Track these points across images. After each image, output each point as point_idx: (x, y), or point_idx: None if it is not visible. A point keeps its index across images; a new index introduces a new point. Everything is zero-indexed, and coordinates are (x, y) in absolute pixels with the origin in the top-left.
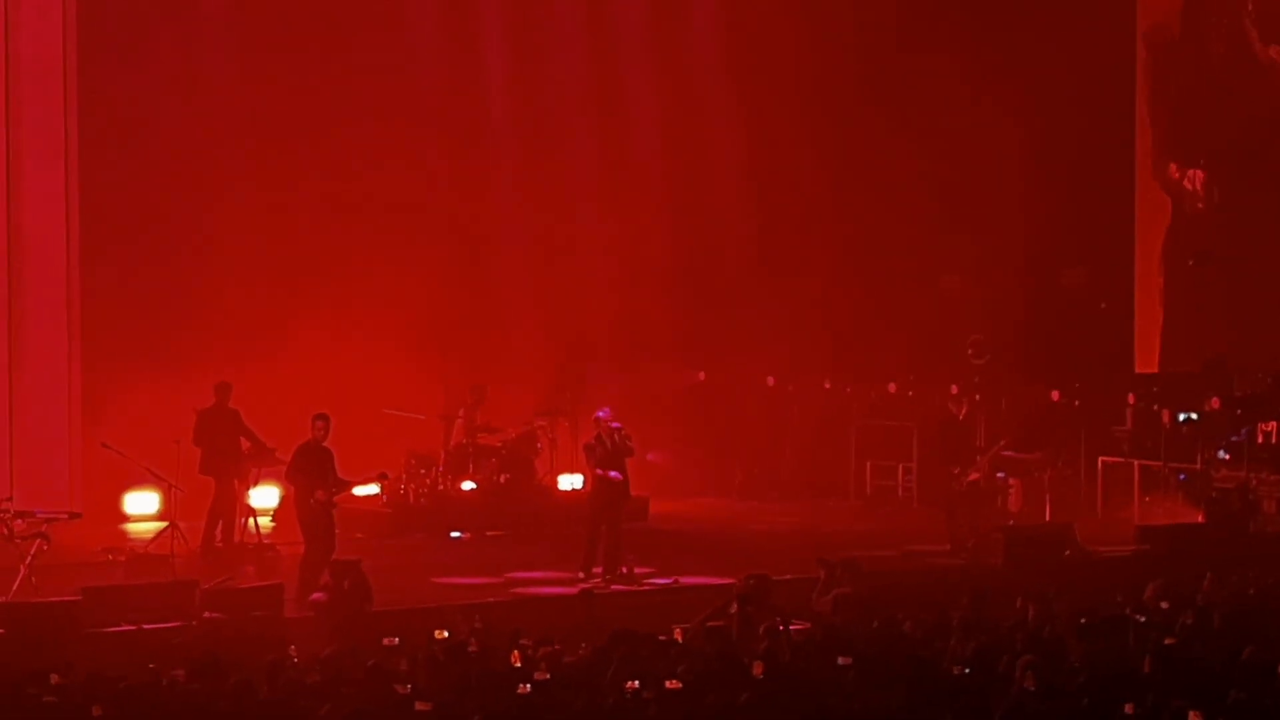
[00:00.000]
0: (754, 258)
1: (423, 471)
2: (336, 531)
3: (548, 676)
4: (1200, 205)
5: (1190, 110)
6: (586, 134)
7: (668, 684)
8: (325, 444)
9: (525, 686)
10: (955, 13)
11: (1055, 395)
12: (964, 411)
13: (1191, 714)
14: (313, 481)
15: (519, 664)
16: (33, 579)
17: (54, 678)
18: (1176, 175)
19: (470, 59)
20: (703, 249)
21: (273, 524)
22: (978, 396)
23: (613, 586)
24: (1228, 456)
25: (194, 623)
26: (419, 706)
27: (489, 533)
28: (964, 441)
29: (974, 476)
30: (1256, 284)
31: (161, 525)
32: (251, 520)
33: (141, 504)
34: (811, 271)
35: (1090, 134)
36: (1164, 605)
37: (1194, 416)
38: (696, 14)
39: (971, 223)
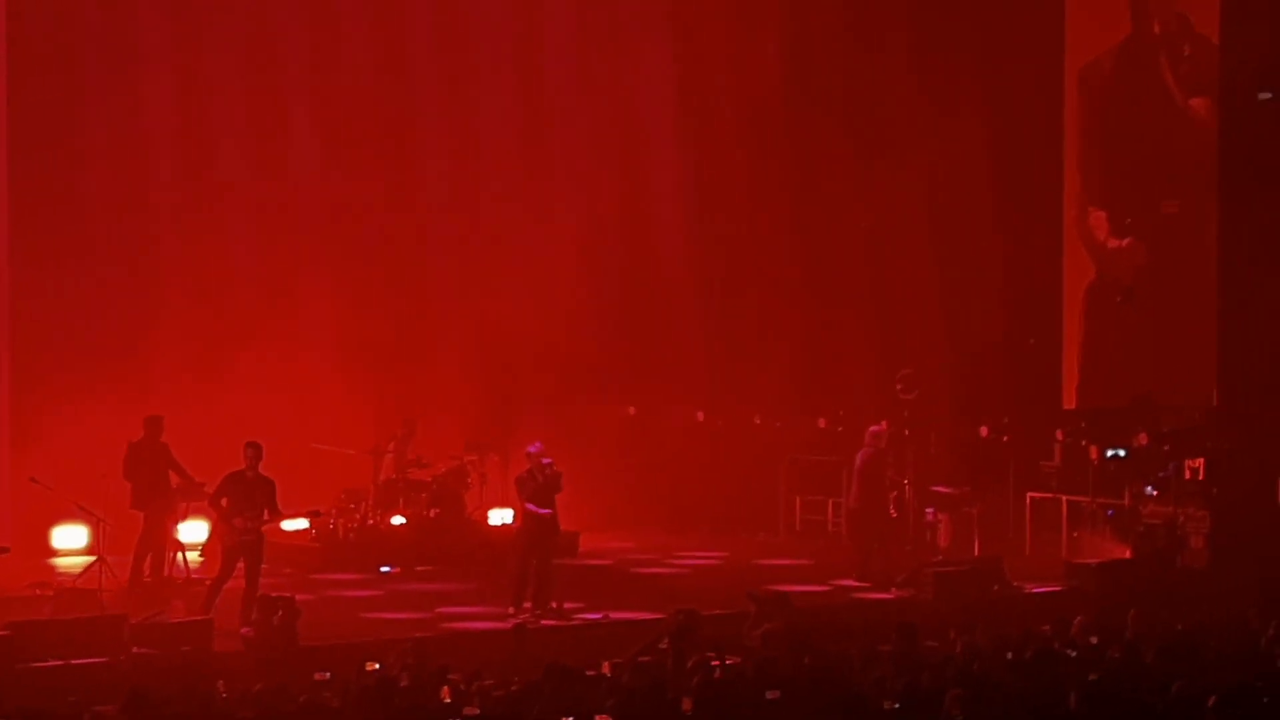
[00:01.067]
0: (685, 292)
1: (352, 506)
2: (263, 564)
3: (478, 711)
4: (1117, 248)
5: (1117, 156)
6: (518, 165)
7: (598, 719)
8: (261, 473)
9: None
10: (889, 55)
11: (984, 430)
12: (885, 440)
13: None
14: (236, 508)
15: (449, 699)
16: None
17: None
18: (1095, 224)
19: (401, 91)
20: (634, 283)
21: (201, 559)
22: (907, 431)
23: (543, 621)
24: (1155, 492)
25: (122, 658)
26: None
27: (419, 568)
28: (885, 476)
29: (893, 514)
30: (1182, 322)
31: (90, 560)
32: (180, 555)
33: (70, 538)
34: (742, 307)
35: (1022, 171)
36: (1093, 640)
37: (1122, 452)
38: (632, 42)
39: (899, 257)
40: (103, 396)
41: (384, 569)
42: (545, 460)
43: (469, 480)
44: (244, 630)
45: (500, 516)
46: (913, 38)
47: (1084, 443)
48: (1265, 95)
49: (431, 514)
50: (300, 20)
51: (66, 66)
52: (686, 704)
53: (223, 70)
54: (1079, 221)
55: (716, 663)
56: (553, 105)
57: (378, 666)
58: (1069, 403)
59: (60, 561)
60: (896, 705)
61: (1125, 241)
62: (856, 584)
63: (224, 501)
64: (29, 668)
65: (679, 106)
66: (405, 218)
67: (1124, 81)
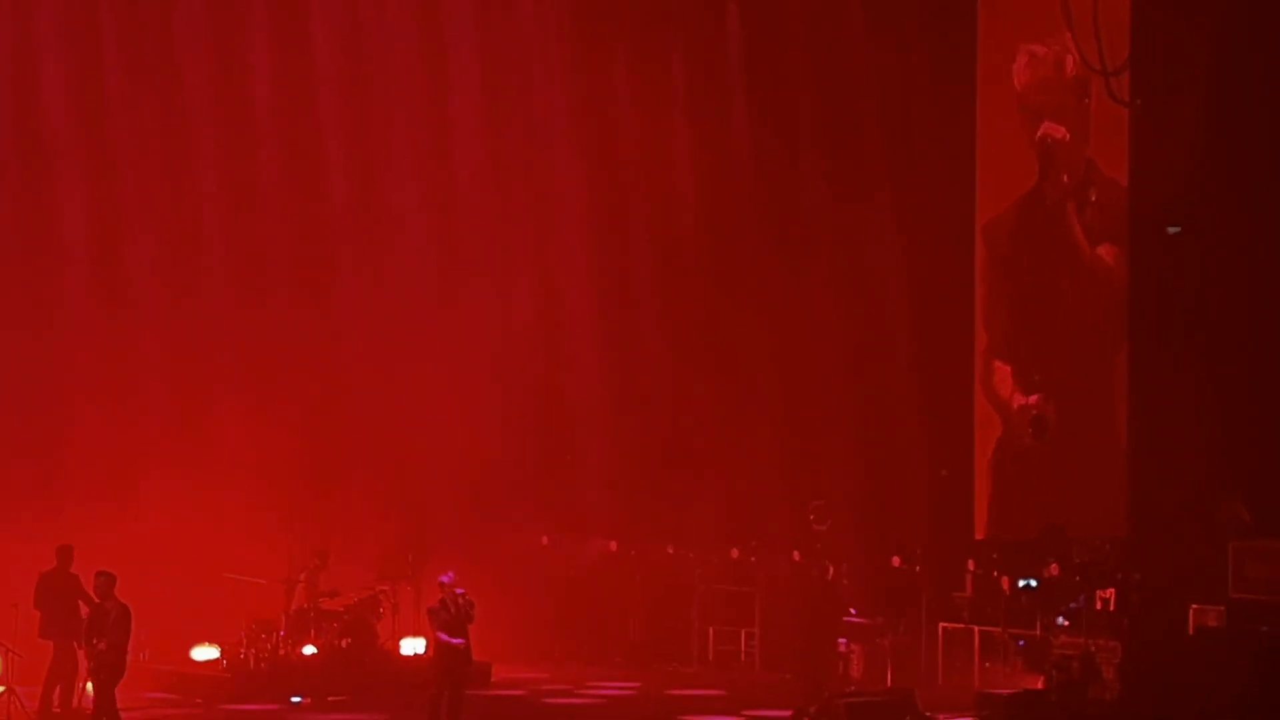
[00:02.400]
0: (597, 422)
1: (263, 636)
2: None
3: None
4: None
5: (1022, 309)
6: (431, 292)
7: None
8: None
9: None
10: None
11: (896, 560)
12: (831, 573)
13: None
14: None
15: None
16: None
17: None
18: (1000, 381)
19: (313, 214)
20: (547, 413)
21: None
22: (827, 563)
23: None
24: (1067, 623)
25: None
26: None
27: (331, 698)
28: (834, 602)
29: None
30: (1091, 455)
31: None
32: (90, 685)
33: None
34: (655, 437)
35: (938, 308)
36: None
37: (1033, 583)
38: (546, 155)
39: (813, 388)
40: (12, 523)
41: (295, 699)
42: (458, 590)
43: (381, 610)
44: None
45: (413, 646)
46: (825, 173)
47: (995, 573)
48: (1174, 229)
49: (343, 644)
50: (213, 139)
51: None
52: None
53: (135, 189)
54: (985, 378)
55: None
56: (466, 228)
57: None
58: (980, 533)
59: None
60: None
61: (1032, 398)
62: (770, 715)
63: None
64: None
65: (593, 228)
66: (318, 346)
67: (1028, 235)
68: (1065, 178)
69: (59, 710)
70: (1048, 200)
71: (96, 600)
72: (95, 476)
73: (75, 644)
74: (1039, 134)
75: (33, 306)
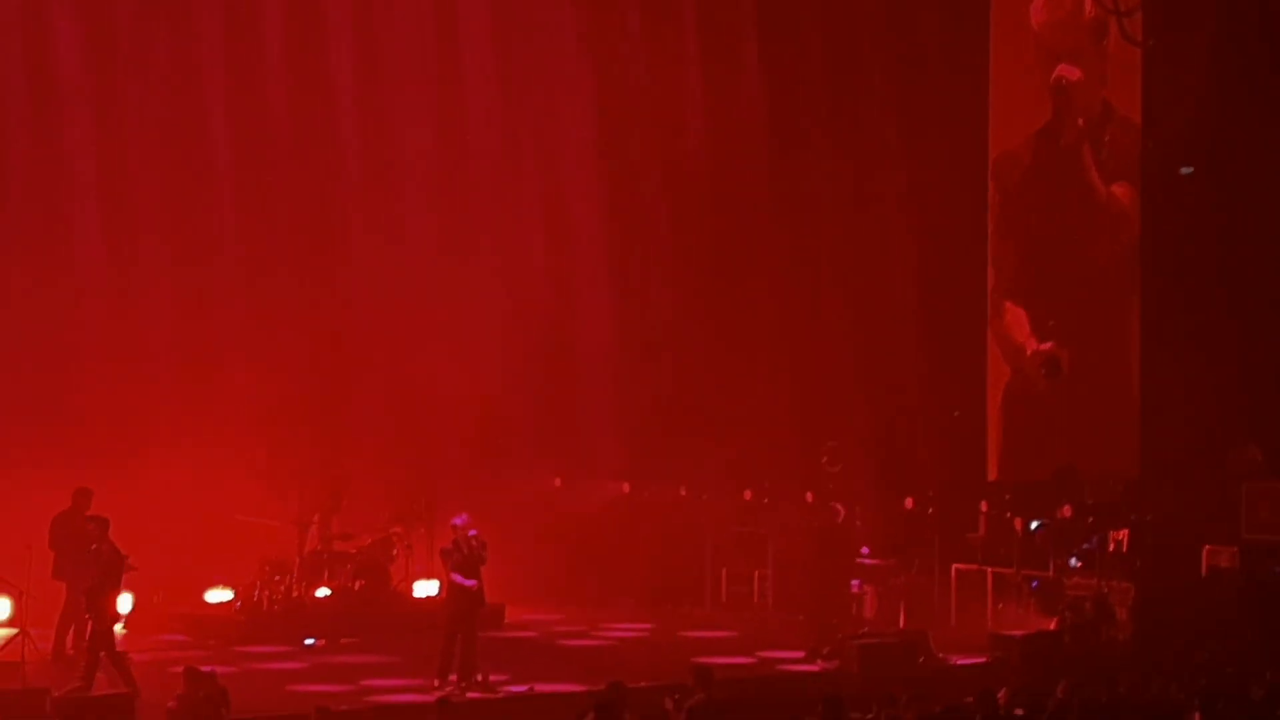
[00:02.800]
0: (609, 363)
1: (277, 578)
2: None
3: None
4: (1036, 352)
5: (1034, 251)
6: (440, 235)
7: None
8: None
9: None
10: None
11: (909, 502)
12: (843, 515)
13: None
14: None
15: None
16: None
17: None
18: (1013, 322)
19: (323, 158)
20: (559, 354)
21: (124, 631)
22: (838, 505)
23: (468, 694)
24: (1080, 564)
25: None
26: None
27: (344, 640)
28: (845, 545)
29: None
30: (1104, 396)
31: (12, 632)
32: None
33: None
34: (667, 379)
35: (950, 247)
36: (1018, 712)
37: (1045, 524)
38: (556, 108)
39: (824, 328)
40: (24, 467)
41: (308, 641)
42: (471, 532)
43: (394, 552)
44: (169, 704)
45: (425, 589)
46: (835, 112)
47: (1008, 514)
48: (1187, 170)
49: (356, 586)
50: (223, 93)
51: None
52: None
53: (144, 144)
54: (996, 319)
55: None
56: (475, 174)
57: None
58: (993, 475)
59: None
60: None
61: (1046, 345)
62: (782, 657)
63: None
64: None
65: (603, 174)
66: (329, 286)
67: (1041, 175)
68: (1080, 121)
69: (72, 652)
70: (1062, 142)
71: (92, 545)
72: (108, 422)
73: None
74: (1054, 75)
75: (43, 257)
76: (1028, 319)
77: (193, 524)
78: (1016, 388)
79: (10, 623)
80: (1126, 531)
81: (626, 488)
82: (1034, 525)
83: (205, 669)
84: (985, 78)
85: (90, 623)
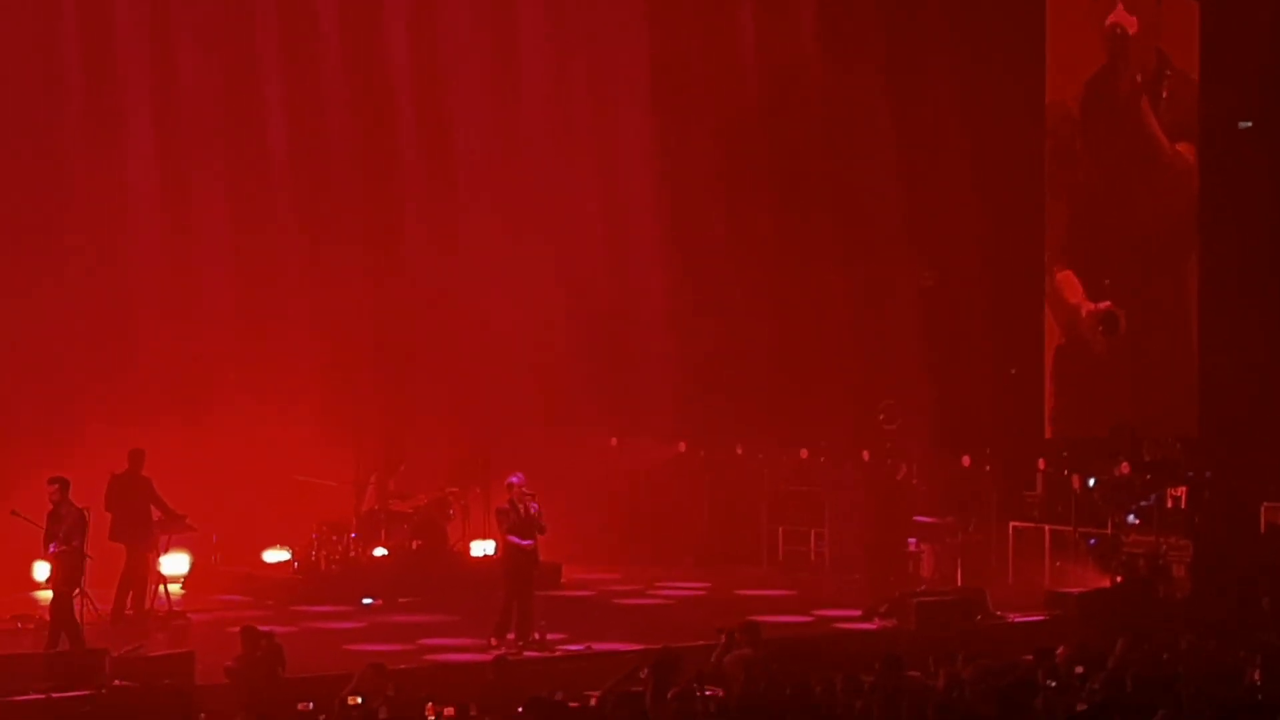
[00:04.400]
0: (666, 322)
1: (334, 538)
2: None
3: None
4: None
5: (1086, 208)
6: (496, 196)
7: None
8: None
9: None
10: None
11: (966, 460)
12: (901, 473)
13: None
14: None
15: None
16: None
17: None
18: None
19: (380, 120)
20: (615, 313)
21: (183, 591)
22: (895, 462)
23: (525, 653)
24: (1137, 521)
25: (104, 691)
26: None
27: (401, 599)
28: (902, 504)
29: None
30: (1162, 353)
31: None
32: (162, 587)
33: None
34: (723, 337)
35: (1006, 204)
36: (1078, 670)
37: (1101, 481)
38: (610, 68)
39: (880, 286)
40: (83, 429)
41: (366, 601)
42: (533, 507)
43: (451, 512)
44: (228, 663)
45: (482, 548)
46: (892, 70)
47: (1066, 472)
48: (1246, 124)
49: (414, 546)
50: (282, 68)
51: (48, 86)
52: None
53: (202, 100)
54: (1052, 276)
55: (698, 693)
56: (531, 136)
57: (360, 700)
58: (1050, 432)
59: (41, 594)
60: None
61: (1103, 304)
62: (839, 615)
63: None
64: (9, 701)
65: (657, 132)
66: (388, 248)
67: (1093, 127)
68: (1138, 76)
69: (131, 613)
70: (1117, 94)
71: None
72: (167, 383)
73: (146, 547)
74: (1109, 21)
75: (102, 215)
76: (1080, 281)
77: (251, 485)
78: (1074, 344)
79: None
80: (1184, 489)
81: (682, 447)
82: (1091, 482)
83: (263, 629)
84: (1042, 23)
85: (57, 582)
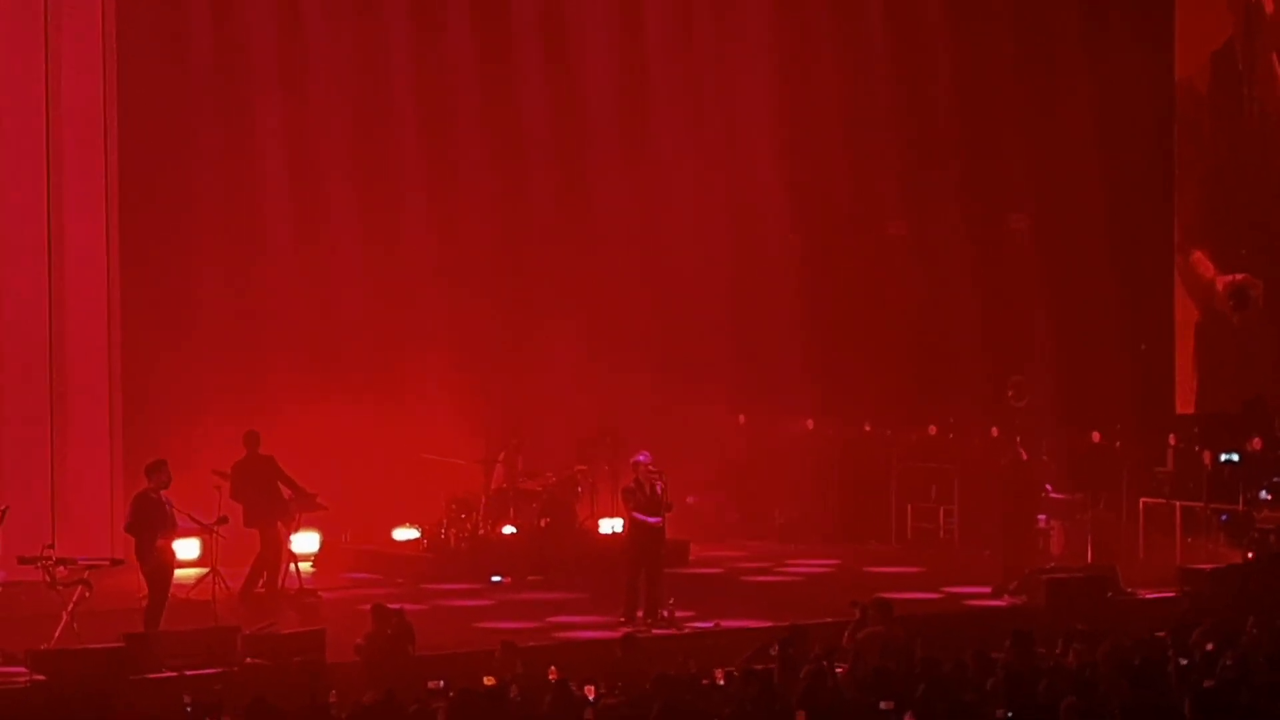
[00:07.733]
0: (794, 300)
1: (463, 516)
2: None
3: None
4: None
5: (1217, 182)
6: (627, 174)
7: None
8: (164, 493)
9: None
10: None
11: (1096, 436)
12: (1024, 453)
13: None
14: (154, 531)
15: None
16: (75, 626)
17: None
18: (1198, 260)
19: (508, 88)
20: (743, 291)
21: (314, 569)
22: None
23: (654, 630)
24: (1270, 497)
25: (236, 669)
26: None
27: (530, 577)
28: (1031, 483)
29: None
30: None
31: (203, 571)
32: (293, 565)
33: (183, 550)
34: (851, 314)
35: (1135, 180)
36: (1209, 647)
37: (1235, 457)
38: (738, 28)
39: (1010, 262)
40: (213, 407)
41: (495, 579)
42: (659, 487)
43: (579, 489)
44: (358, 641)
45: (611, 526)
46: (1020, 52)
47: (1197, 448)
48: None
49: (542, 524)
50: (406, 47)
51: (179, 75)
52: (800, 716)
53: (331, 79)
54: (1184, 251)
55: (827, 668)
56: (660, 116)
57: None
58: (1181, 407)
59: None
60: (1010, 715)
61: (1238, 276)
62: (969, 592)
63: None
64: (143, 679)
65: (785, 111)
66: (515, 226)
67: (1220, 99)
68: (1274, 56)
69: (263, 591)
70: (1242, 63)
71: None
72: (294, 361)
73: (280, 525)
74: None
75: (233, 195)
76: (1211, 257)
77: (380, 464)
78: (1206, 318)
79: (201, 562)
80: None
81: (811, 424)
82: (1223, 458)
83: (393, 606)
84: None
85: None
